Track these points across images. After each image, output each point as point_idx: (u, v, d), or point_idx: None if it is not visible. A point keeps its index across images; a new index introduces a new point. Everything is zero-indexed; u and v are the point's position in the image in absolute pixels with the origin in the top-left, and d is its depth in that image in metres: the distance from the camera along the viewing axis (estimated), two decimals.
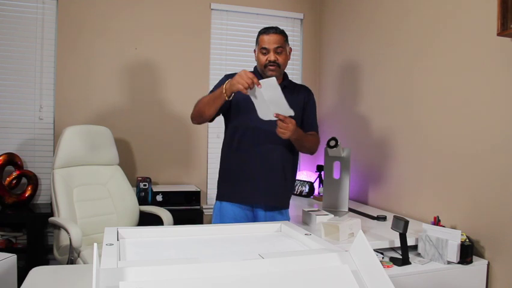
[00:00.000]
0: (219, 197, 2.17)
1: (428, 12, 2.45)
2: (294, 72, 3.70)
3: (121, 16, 3.24)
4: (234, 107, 2.10)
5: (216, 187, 2.22)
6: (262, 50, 2.06)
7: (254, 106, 1.91)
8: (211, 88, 3.35)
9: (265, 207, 2.11)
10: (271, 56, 2.04)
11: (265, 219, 2.09)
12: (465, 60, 2.19)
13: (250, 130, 2.08)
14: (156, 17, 3.33)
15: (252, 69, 2.18)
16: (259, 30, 2.13)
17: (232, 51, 3.55)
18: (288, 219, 2.17)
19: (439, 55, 2.36)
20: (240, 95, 1.96)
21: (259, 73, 2.12)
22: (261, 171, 2.08)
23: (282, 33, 2.08)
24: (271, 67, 2.05)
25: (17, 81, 3.05)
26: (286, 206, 2.20)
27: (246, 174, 2.08)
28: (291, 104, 1.88)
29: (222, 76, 2.19)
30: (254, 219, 2.12)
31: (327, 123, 3.60)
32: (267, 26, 2.13)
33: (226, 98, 1.89)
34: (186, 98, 3.41)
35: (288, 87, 2.15)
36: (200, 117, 2.07)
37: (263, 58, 2.06)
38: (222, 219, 2.11)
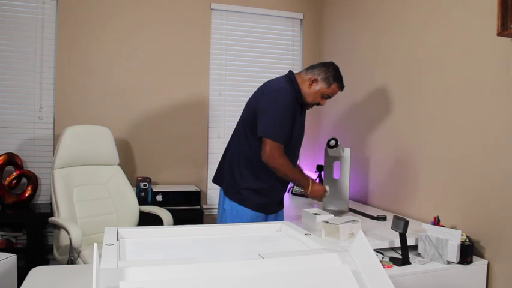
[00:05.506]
0: (240, 201, 2.11)
1: (428, 12, 2.45)
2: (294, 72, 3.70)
3: (121, 16, 3.24)
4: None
5: (231, 183, 2.15)
6: (325, 95, 2.14)
7: (297, 130, 2.15)
8: (211, 87, 3.34)
9: (276, 211, 2.26)
10: (325, 103, 2.19)
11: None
12: (465, 60, 2.19)
13: (291, 153, 2.17)
14: (156, 17, 3.33)
15: (291, 83, 2.12)
16: (332, 66, 2.15)
17: (232, 51, 3.54)
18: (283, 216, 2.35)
19: (439, 55, 2.36)
20: (295, 120, 2.10)
21: (300, 93, 2.13)
22: (282, 183, 2.20)
23: None
24: (313, 106, 2.22)
25: (17, 81, 3.05)
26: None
27: (273, 188, 2.16)
28: (304, 121, 2.25)
29: (291, 99, 2.06)
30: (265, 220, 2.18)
31: (327, 123, 3.60)
32: (339, 71, 2.17)
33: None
34: (186, 97, 3.42)
35: None
36: (275, 171, 2.07)
37: (319, 99, 2.16)
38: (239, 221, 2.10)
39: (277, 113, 2.01)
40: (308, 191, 2.19)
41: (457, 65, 2.24)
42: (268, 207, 2.17)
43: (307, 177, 2.22)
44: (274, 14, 3.62)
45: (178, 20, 3.38)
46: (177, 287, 0.87)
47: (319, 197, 2.27)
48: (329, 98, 2.17)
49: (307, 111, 2.28)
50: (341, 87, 2.18)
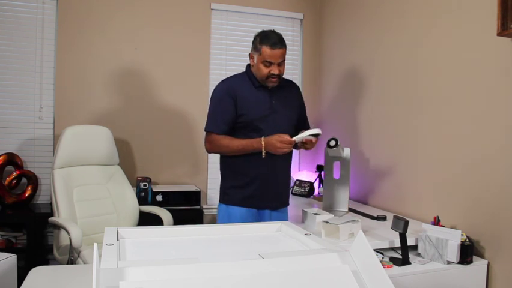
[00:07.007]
0: (226, 201, 2.15)
1: (428, 12, 2.45)
2: (294, 72, 3.70)
3: (120, 16, 3.24)
4: (245, 117, 2.09)
5: (219, 188, 2.21)
6: (265, 62, 2.04)
7: (264, 114, 2.09)
8: (211, 87, 3.33)
9: (271, 208, 2.18)
10: (276, 70, 2.05)
11: (271, 219, 2.11)
12: (465, 60, 2.19)
13: (263, 136, 2.07)
14: (156, 17, 3.32)
15: (244, 69, 2.19)
16: (258, 33, 2.09)
17: (232, 51, 3.54)
18: (287, 215, 2.27)
19: (439, 55, 2.36)
20: (248, 105, 2.06)
21: (255, 78, 2.12)
22: (271, 176, 2.12)
23: (285, 45, 2.07)
24: (273, 79, 2.08)
25: (17, 81, 3.05)
26: (288, 203, 2.28)
27: (258, 180, 2.10)
28: (289, 101, 2.18)
29: (221, 91, 2.15)
30: (260, 219, 2.15)
31: (327, 123, 3.59)
32: (268, 32, 2.07)
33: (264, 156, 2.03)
34: (186, 97, 3.42)
35: (281, 85, 2.17)
36: (222, 153, 2.18)
37: (265, 70, 2.05)
38: (230, 222, 2.09)
39: (209, 109, 2.17)
40: (263, 148, 2.00)
41: (457, 65, 2.24)
42: (253, 201, 2.11)
43: (256, 139, 2.03)
44: (274, 14, 3.62)
45: (178, 20, 3.38)
46: (177, 287, 0.87)
47: (278, 146, 1.98)
48: (272, 63, 2.02)
49: (293, 91, 2.27)
50: (270, 43, 2.00)
